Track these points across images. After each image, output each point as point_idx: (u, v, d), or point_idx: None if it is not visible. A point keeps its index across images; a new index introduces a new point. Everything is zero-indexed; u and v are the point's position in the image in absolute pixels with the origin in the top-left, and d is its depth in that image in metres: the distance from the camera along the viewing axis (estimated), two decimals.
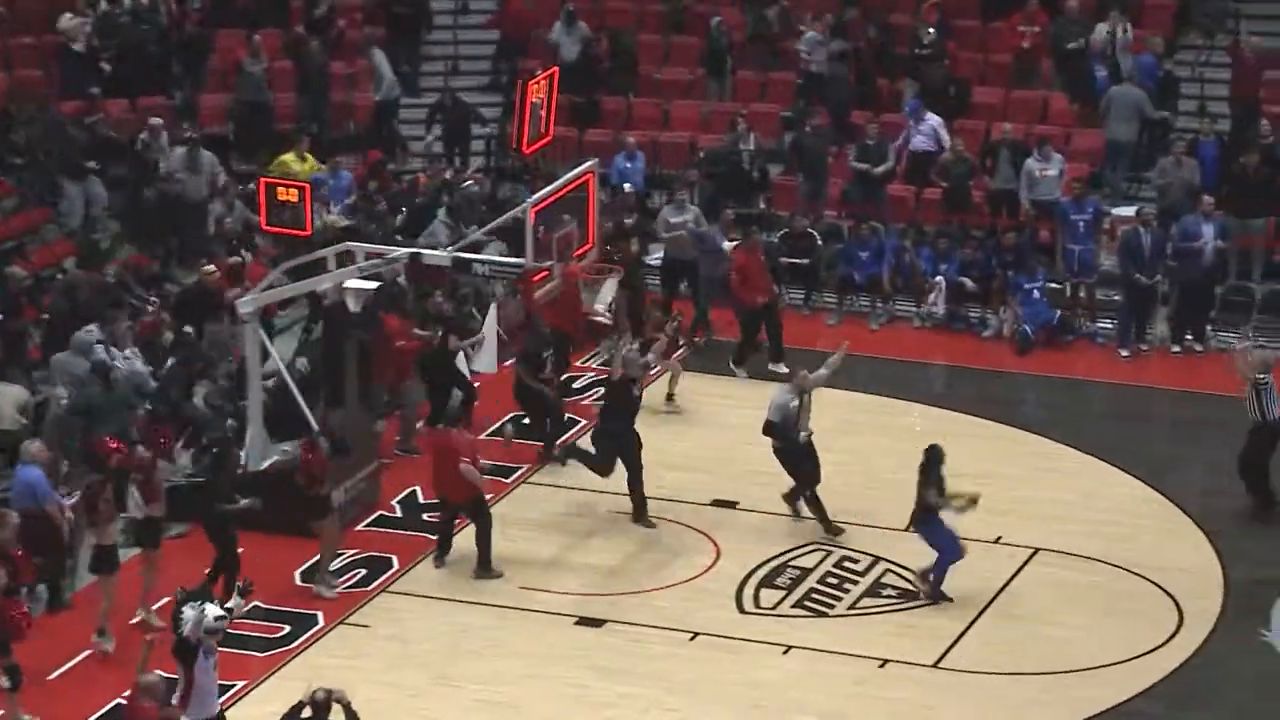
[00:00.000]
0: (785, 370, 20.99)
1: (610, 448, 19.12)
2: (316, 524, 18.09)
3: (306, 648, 17.21)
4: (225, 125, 26.92)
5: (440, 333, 20.86)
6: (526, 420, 20.69)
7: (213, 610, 14.34)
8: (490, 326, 20.28)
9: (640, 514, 19.15)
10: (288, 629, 17.46)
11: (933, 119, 25.54)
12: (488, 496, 18.62)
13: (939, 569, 17.69)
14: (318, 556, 18.11)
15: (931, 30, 26.55)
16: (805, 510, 18.94)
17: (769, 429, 18.80)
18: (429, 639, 17.39)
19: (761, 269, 22.62)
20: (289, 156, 24.83)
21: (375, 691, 15.70)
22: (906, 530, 17.90)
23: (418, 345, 20.78)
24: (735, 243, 23.02)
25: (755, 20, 27.72)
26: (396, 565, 18.56)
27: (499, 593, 18.06)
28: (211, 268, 21.49)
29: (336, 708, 14.40)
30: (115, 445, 17.68)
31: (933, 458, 17.69)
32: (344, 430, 18.77)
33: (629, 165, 25.43)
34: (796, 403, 18.67)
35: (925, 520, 17.67)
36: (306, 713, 14.40)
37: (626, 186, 24.80)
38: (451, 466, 18.20)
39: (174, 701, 14.39)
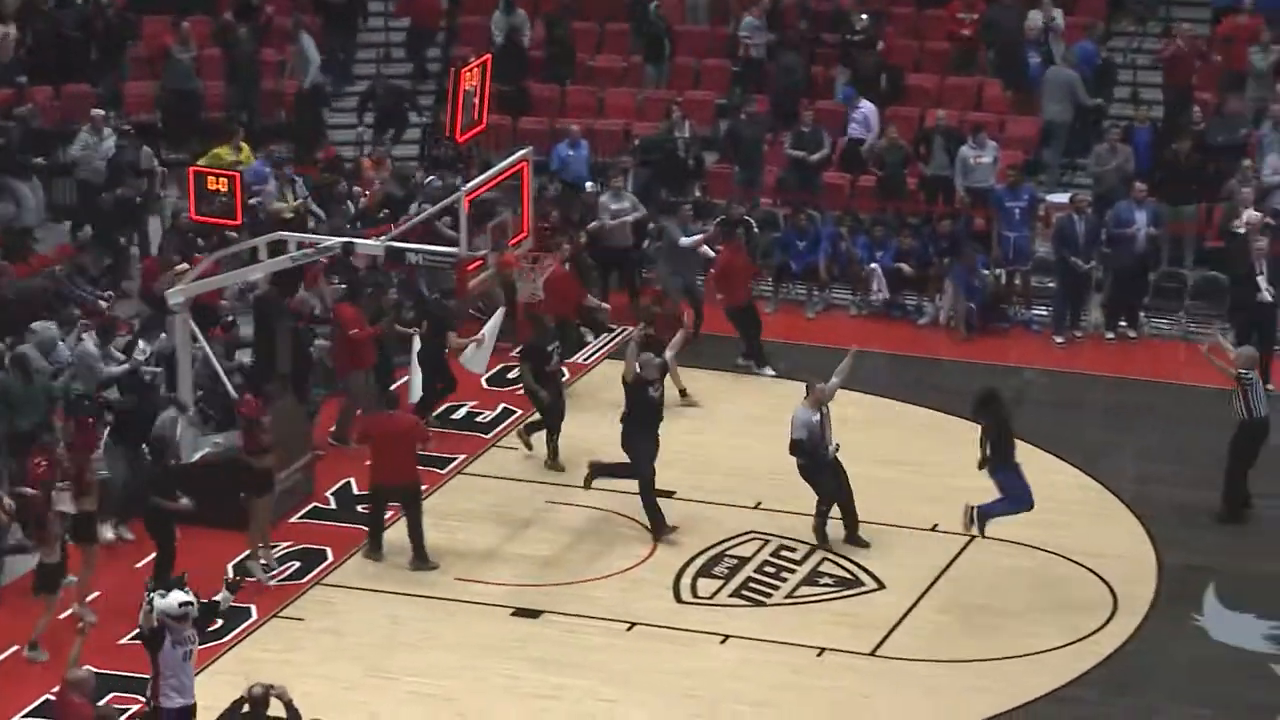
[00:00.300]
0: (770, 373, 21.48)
1: (648, 450, 18.63)
2: (254, 500, 17.96)
3: (239, 641, 17.09)
4: (153, 114, 26.69)
5: (426, 325, 20.73)
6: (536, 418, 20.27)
7: (177, 597, 14.26)
8: (492, 329, 20.25)
9: (658, 528, 18.70)
10: (220, 623, 17.31)
11: (865, 106, 25.57)
12: (423, 487, 18.54)
13: (997, 506, 17.60)
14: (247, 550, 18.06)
15: (865, 17, 26.58)
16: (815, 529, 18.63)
17: (796, 448, 18.23)
18: (364, 631, 17.30)
19: (746, 267, 22.48)
20: (223, 149, 24.65)
21: (310, 685, 15.59)
22: (980, 469, 17.69)
23: (370, 334, 20.54)
24: (697, 237, 22.95)
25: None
26: (331, 558, 18.45)
27: (434, 584, 18.00)
28: (184, 265, 21.30)
29: (276, 703, 14.28)
30: (41, 465, 17.55)
31: (988, 400, 17.70)
32: (279, 419, 18.71)
33: (571, 154, 25.36)
34: (818, 417, 18.26)
35: (1000, 468, 17.58)
36: (246, 708, 14.29)
37: (589, 185, 24.62)
38: (397, 451, 18.08)
39: (147, 693, 14.34)
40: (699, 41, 27.80)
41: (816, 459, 18.28)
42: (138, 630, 14.69)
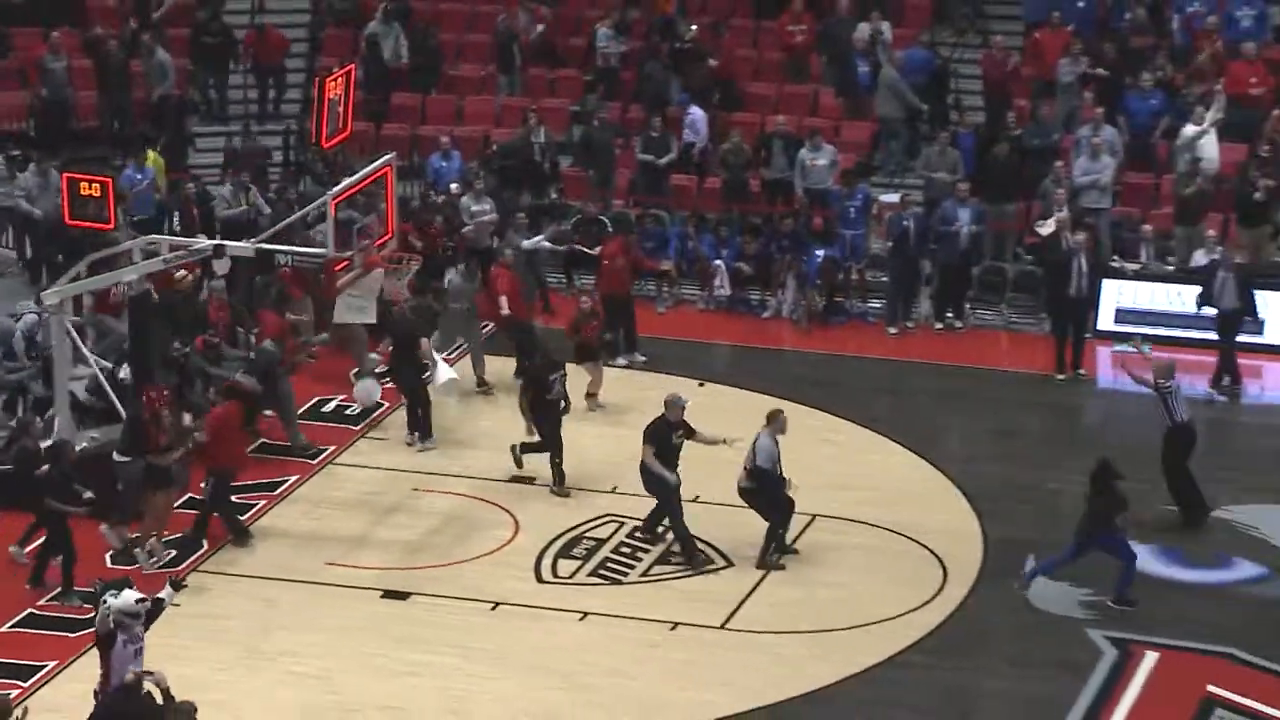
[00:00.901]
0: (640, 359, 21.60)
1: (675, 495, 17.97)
2: (153, 494, 17.80)
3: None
4: (25, 123, 26.23)
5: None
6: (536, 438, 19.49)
7: (131, 595, 14.18)
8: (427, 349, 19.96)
9: (689, 554, 18.03)
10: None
11: (695, 112, 25.65)
12: (294, 477, 18.43)
13: (1126, 579, 16.93)
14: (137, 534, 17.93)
15: (694, 27, 26.67)
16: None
17: (761, 475, 17.64)
18: (238, 615, 17.18)
19: (626, 265, 22.36)
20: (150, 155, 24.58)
21: (187, 668, 15.41)
22: (1078, 538, 17.08)
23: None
24: (539, 238, 22.98)
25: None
26: (206, 546, 18.30)
27: (307, 569, 17.90)
28: (184, 273, 20.91)
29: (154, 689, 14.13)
30: None
31: (1106, 471, 17.01)
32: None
33: (445, 164, 25.26)
34: (778, 445, 17.81)
35: (1102, 533, 16.98)
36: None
37: (453, 187, 24.45)
38: (228, 437, 18.07)
39: (96, 688, 14.20)
40: (550, 53, 27.77)
41: (771, 484, 17.73)
42: (93, 631, 14.56)
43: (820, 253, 23.67)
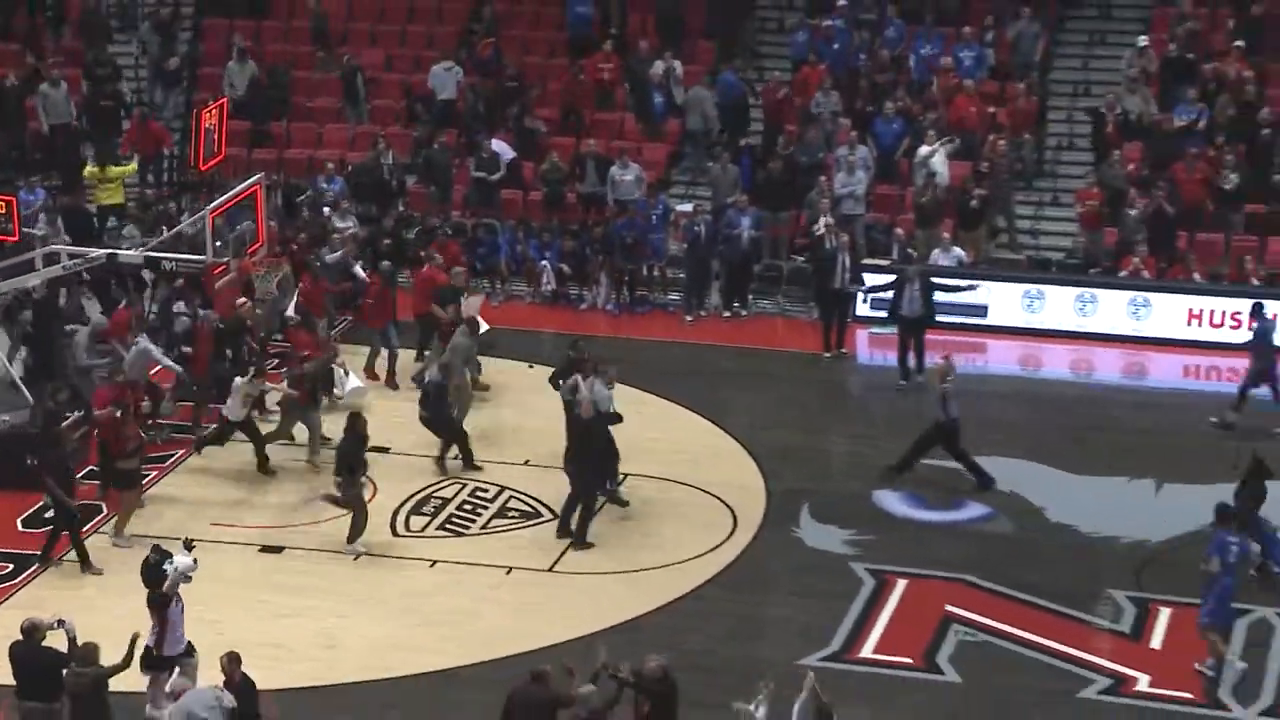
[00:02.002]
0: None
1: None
2: (121, 493, 17.45)
3: (29, 583, 16.59)
4: None
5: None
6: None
7: (188, 558, 14.13)
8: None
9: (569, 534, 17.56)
10: (11, 567, 16.85)
11: (497, 144, 25.25)
12: (181, 452, 18.16)
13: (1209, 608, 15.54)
14: (116, 517, 17.58)
15: (514, 71, 26.57)
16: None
17: (616, 418, 17.66)
18: (136, 572, 16.85)
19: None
20: (96, 169, 24.32)
21: (93, 617, 15.15)
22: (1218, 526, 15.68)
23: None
24: (338, 253, 22.10)
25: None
26: (105, 511, 17.98)
27: (196, 530, 17.60)
28: (246, 301, 20.16)
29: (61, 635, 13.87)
30: None
31: (1260, 471, 16.44)
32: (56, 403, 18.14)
33: (328, 186, 24.89)
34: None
35: (1248, 522, 16.08)
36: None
37: (326, 211, 24.00)
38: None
39: (150, 643, 13.95)
40: (395, 88, 27.55)
41: (610, 422, 17.55)
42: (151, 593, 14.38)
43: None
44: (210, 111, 20.94)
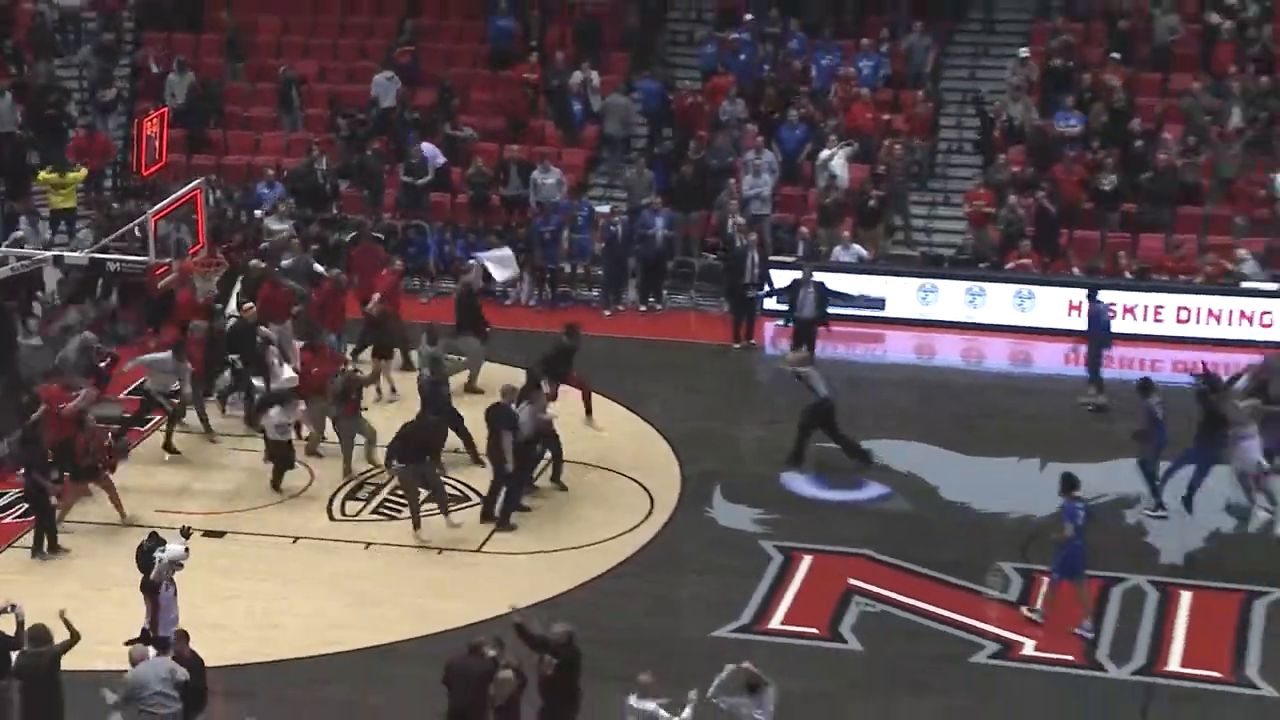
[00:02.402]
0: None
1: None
2: (76, 484, 17.20)
3: None
4: None
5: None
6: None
7: (178, 545, 14.02)
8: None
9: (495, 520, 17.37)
10: None
11: (427, 148, 25.15)
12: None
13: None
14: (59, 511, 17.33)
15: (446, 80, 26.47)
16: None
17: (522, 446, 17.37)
18: (81, 556, 16.72)
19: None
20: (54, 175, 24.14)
21: (43, 602, 14.84)
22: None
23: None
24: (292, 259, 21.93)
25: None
26: (56, 501, 17.73)
27: (141, 516, 17.47)
28: (251, 305, 19.73)
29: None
30: None
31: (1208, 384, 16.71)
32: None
33: (268, 192, 24.64)
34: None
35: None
36: None
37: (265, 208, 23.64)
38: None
39: (144, 626, 13.82)
40: (327, 98, 27.36)
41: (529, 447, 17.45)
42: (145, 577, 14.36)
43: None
44: (152, 120, 20.70)
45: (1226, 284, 22.76)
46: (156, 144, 20.68)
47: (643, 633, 15.63)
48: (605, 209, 24.38)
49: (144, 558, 14.52)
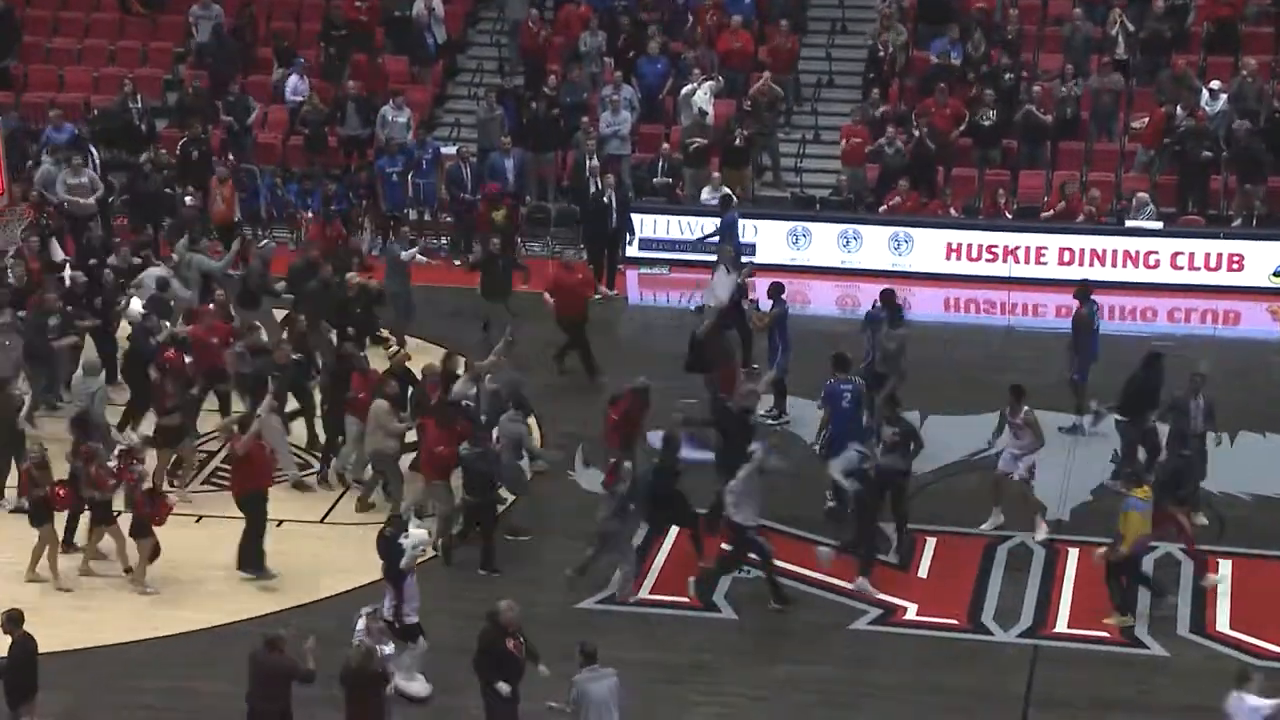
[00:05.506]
0: None
1: None
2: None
3: None
4: None
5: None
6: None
7: (417, 535, 14.34)
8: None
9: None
10: None
11: (294, 79, 24.92)
12: None
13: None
14: None
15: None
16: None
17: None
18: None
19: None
20: None
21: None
22: None
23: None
24: (414, 250, 21.22)
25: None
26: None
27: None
28: (396, 348, 18.87)
29: None
30: None
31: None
32: None
33: (58, 134, 23.79)
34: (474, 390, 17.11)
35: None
36: None
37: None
38: None
39: (387, 613, 14.03)
40: (146, 27, 26.57)
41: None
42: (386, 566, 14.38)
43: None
44: None
45: (1109, 223, 23.20)
46: None
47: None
48: (451, 150, 24.05)
49: (387, 545, 14.39)
